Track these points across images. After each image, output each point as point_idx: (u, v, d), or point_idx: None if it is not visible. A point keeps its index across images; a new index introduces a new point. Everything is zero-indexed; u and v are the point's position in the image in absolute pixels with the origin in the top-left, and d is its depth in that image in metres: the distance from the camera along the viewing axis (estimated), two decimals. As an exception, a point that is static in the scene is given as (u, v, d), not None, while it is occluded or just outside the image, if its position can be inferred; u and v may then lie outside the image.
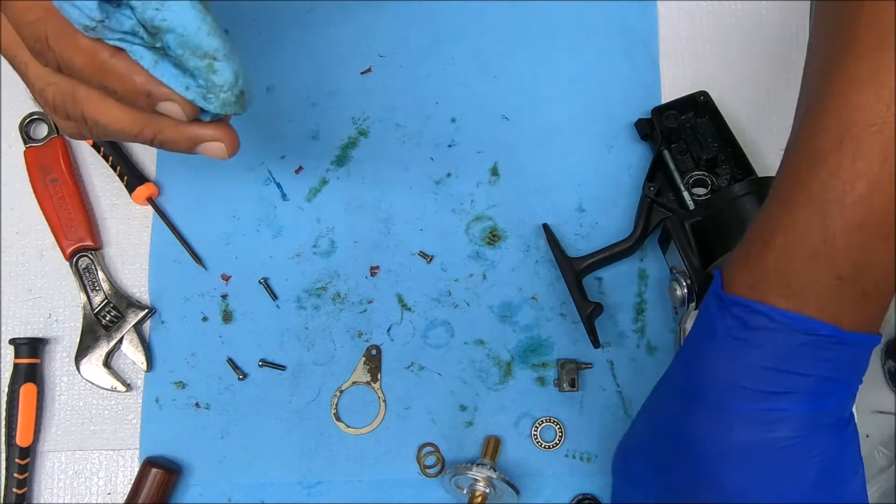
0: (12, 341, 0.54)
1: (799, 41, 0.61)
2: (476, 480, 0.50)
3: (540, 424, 0.54)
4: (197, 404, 0.55)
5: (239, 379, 0.55)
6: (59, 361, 0.56)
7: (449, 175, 0.58)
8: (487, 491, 0.50)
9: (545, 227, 0.56)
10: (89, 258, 0.56)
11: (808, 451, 0.36)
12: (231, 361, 0.55)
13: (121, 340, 0.55)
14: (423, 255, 0.57)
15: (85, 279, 0.56)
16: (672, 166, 0.55)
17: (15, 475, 0.53)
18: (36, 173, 0.56)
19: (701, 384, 0.37)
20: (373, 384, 0.55)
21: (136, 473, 0.53)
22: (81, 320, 0.55)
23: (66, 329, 0.56)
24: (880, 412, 0.56)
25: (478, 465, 0.51)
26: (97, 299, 0.55)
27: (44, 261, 0.57)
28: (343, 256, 0.57)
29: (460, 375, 0.55)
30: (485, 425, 0.55)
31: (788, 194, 0.36)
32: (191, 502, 0.54)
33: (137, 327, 0.55)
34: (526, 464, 0.54)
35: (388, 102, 0.59)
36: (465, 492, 0.52)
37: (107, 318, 0.55)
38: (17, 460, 0.53)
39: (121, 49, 0.36)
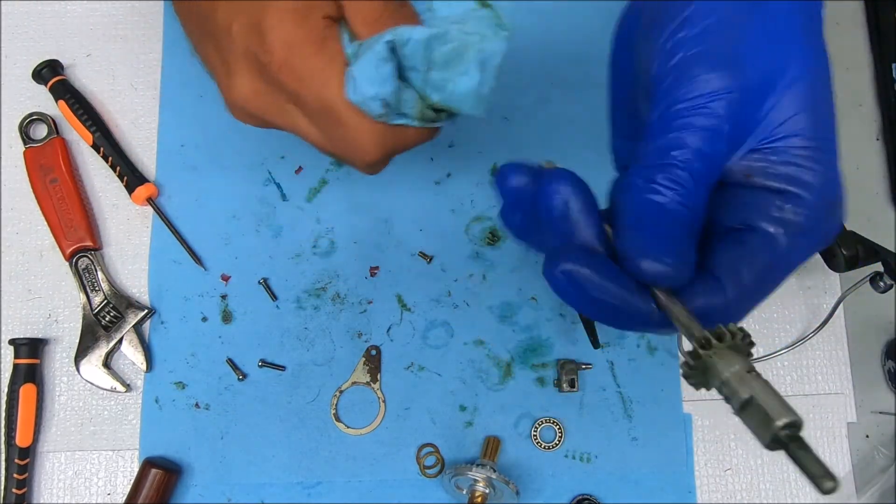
0: (12, 341, 0.54)
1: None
2: (476, 481, 0.50)
3: (539, 425, 0.54)
4: (197, 404, 0.55)
5: (239, 379, 0.55)
6: (58, 362, 0.56)
7: (449, 175, 0.58)
8: (487, 491, 0.50)
9: (545, 227, 0.56)
10: (89, 258, 0.56)
11: None
12: (231, 362, 0.55)
13: (120, 341, 0.55)
14: (423, 255, 0.57)
15: (84, 279, 0.56)
16: (672, 166, 0.54)
17: (14, 475, 0.53)
18: (36, 173, 0.56)
19: None
20: (372, 384, 0.55)
21: (135, 474, 0.53)
22: (81, 321, 0.55)
23: (65, 329, 0.56)
24: (880, 412, 0.56)
25: (477, 465, 0.51)
26: (97, 300, 0.55)
27: (43, 261, 0.57)
28: (343, 256, 0.57)
29: (460, 376, 0.55)
30: (484, 425, 0.55)
31: None
32: (191, 502, 0.54)
33: (137, 328, 0.55)
34: (526, 464, 0.54)
35: (387, 102, 0.59)
36: (464, 492, 0.52)
37: (106, 319, 0.55)
38: (16, 461, 0.53)
39: None
